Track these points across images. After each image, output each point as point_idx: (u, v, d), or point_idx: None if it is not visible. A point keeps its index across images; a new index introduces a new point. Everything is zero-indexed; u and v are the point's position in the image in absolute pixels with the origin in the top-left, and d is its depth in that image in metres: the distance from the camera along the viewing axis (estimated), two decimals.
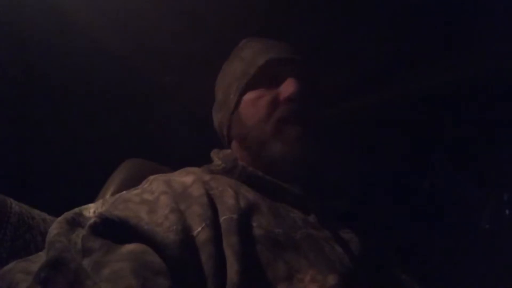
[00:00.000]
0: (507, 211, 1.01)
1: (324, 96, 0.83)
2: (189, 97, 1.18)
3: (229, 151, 0.74)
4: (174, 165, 0.80)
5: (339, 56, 1.07)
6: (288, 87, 0.70)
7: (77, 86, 1.15)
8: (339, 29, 1.00)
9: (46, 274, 0.40)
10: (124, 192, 0.63)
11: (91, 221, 0.48)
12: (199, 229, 0.52)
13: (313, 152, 0.68)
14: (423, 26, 0.99)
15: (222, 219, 0.55)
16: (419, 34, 1.01)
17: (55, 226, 0.50)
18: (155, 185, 0.61)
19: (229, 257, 0.50)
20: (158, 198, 0.57)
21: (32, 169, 1.12)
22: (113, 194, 0.85)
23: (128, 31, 1.05)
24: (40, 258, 0.50)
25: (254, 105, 0.72)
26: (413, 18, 0.97)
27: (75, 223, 0.52)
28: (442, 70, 1.08)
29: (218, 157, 0.73)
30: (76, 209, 0.59)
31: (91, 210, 0.61)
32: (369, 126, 1.22)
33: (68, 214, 0.54)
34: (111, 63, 1.12)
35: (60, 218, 0.53)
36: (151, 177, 0.66)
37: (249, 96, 0.74)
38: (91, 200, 0.79)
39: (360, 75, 1.13)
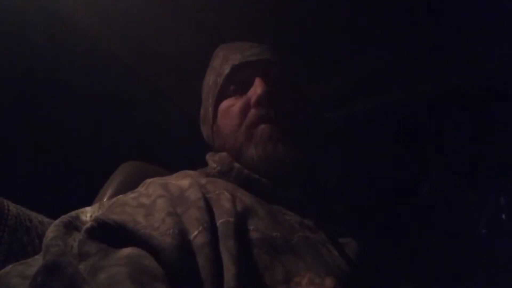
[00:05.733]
0: (503, 216, 1.02)
1: (305, 92, 0.82)
2: (188, 99, 1.18)
3: (224, 153, 0.73)
4: (172, 168, 0.80)
5: (337, 60, 1.07)
6: (255, 90, 0.70)
7: (75, 88, 1.15)
8: (336, 32, 1.00)
9: (42, 279, 0.40)
10: (120, 195, 0.63)
11: (88, 225, 0.48)
12: (196, 232, 0.52)
13: (289, 150, 0.67)
14: (421, 29, 0.99)
15: (219, 222, 0.55)
16: (417, 38, 1.01)
17: (52, 230, 0.50)
18: (152, 189, 0.61)
19: (226, 260, 0.50)
20: (154, 202, 0.57)
21: (29, 171, 1.12)
22: (111, 196, 0.85)
23: (128, 34, 1.05)
24: (37, 262, 0.50)
25: (227, 115, 0.73)
26: (412, 21, 0.97)
27: (72, 227, 0.52)
28: (440, 74, 1.08)
29: (213, 160, 0.73)
30: (73, 213, 0.59)
31: (88, 214, 0.61)
32: (367, 130, 1.22)
33: (65, 218, 0.54)
34: (111, 65, 1.13)
35: (57, 222, 0.53)
36: (148, 181, 0.66)
37: (222, 106, 0.75)
38: (89, 202, 0.79)
39: (358, 79, 1.13)
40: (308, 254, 0.56)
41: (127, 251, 0.45)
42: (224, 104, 0.74)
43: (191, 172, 0.71)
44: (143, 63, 1.15)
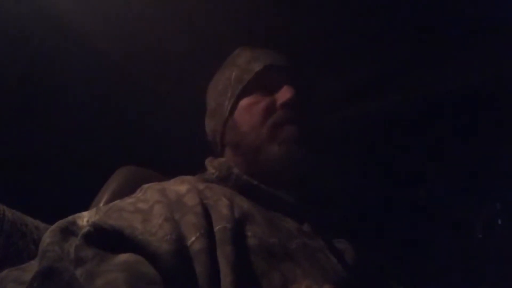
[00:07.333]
0: (499, 221, 1.02)
1: (319, 105, 0.84)
2: (185, 104, 1.18)
3: (223, 159, 0.74)
4: (170, 172, 0.80)
5: (333, 65, 1.07)
6: (285, 93, 0.71)
7: (71, 91, 1.14)
8: (335, 34, 1.01)
9: (38, 284, 0.40)
10: (118, 200, 0.63)
11: (85, 230, 0.47)
12: (193, 238, 0.52)
13: (311, 155, 0.69)
14: (421, 30, 0.99)
15: (216, 228, 0.55)
16: (417, 42, 1.01)
17: (48, 235, 0.50)
18: (149, 194, 0.61)
19: (223, 267, 0.50)
20: (152, 207, 0.57)
21: (25, 176, 1.11)
22: (107, 201, 0.84)
23: (124, 37, 1.05)
24: (32, 267, 0.50)
25: (249, 111, 0.73)
26: (414, 22, 0.97)
27: (68, 232, 0.52)
28: (437, 80, 1.08)
29: (212, 166, 0.73)
30: (70, 218, 0.58)
31: (84, 219, 0.61)
32: (364, 135, 1.22)
33: (61, 223, 0.54)
34: (107, 69, 1.12)
35: (53, 227, 0.53)
36: (145, 186, 0.66)
37: (244, 102, 0.75)
38: (86, 207, 0.79)
39: (353, 85, 1.13)
40: (306, 261, 0.56)
41: (124, 257, 0.45)
42: (246, 100, 0.74)
43: (189, 177, 0.71)
44: (140, 66, 1.15)
